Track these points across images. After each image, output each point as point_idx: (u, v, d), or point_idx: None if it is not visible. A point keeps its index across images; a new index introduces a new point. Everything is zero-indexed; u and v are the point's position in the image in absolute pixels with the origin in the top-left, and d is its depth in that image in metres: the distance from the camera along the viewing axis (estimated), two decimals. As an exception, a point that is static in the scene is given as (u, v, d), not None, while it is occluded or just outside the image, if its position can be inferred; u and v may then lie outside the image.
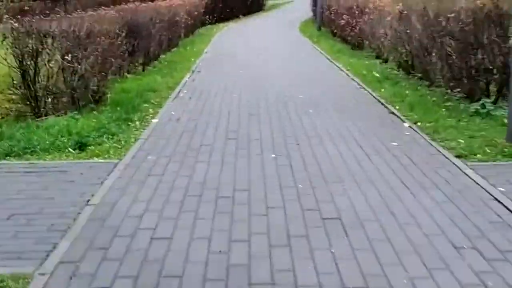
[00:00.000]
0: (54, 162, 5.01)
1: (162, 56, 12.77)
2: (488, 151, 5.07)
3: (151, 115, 6.93)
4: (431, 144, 5.42)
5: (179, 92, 8.52)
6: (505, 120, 5.57)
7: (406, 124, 6.23)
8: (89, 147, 5.41)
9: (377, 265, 3.02)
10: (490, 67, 6.80)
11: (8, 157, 5.14)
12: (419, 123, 6.23)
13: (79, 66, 6.94)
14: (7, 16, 7.23)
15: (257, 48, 14.96)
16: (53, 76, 6.79)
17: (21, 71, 6.65)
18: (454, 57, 7.25)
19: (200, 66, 11.49)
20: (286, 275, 2.91)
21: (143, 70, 10.72)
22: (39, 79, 6.71)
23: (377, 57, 11.57)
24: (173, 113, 7.02)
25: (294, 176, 4.49)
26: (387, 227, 3.50)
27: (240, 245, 3.27)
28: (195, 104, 7.64)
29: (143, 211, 3.79)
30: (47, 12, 10.49)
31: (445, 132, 5.77)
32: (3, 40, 6.62)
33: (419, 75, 8.78)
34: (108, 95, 7.68)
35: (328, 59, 12.31)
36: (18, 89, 6.81)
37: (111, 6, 12.62)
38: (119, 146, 5.49)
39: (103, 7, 12.38)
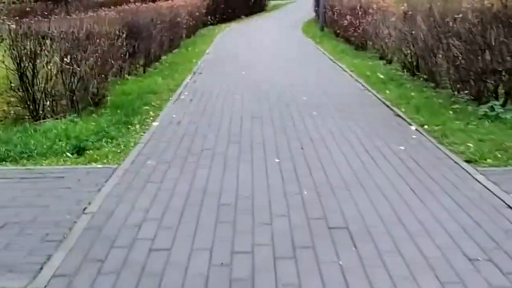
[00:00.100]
0: (51, 167, 4.86)
1: (163, 57, 12.63)
2: (499, 155, 4.90)
3: (151, 118, 6.78)
4: (439, 148, 5.26)
5: (180, 94, 8.37)
6: (516, 123, 5.42)
7: (413, 127, 6.06)
8: (88, 152, 5.27)
9: (388, 280, 2.86)
10: (499, 69, 6.63)
11: (4, 162, 5.00)
12: (426, 126, 6.06)
13: (78, 68, 6.80)
14: (4, 17, 7.08)
15: (259, 48, 14.81)
16: (52, 78, 6.66)
17: (19, 74, 6.52)
18: (461, 58, 7.09)
19: (201, 67, 11.34)
20: (291, 290, 2.76)
21: (144, 72, 10.59)
22: (38, 82, 6.59)
23: (381, 58, 11.42)
24: (174, 115, 6.86)
25: (299, 182, 4.33)
26: (397, 237, 3.34)
27: (243, 257, 3.11)
28: (197, 106, 7.49)
29: (141, 220, 3.64)
30: (48, 13, 10.39)
31: (453, 135, 5.60)
32: (1, 41, 6.49)
33: (424, 76, 8.62)
34: (108, 98, 7.54)
35: (331, 60, 12.16)
36: (16, 92, 6.68)
37: (111, 7, 12.49)
38: (118, 151, 5.34)
39: (104, 8, 12.29)
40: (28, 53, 6.44)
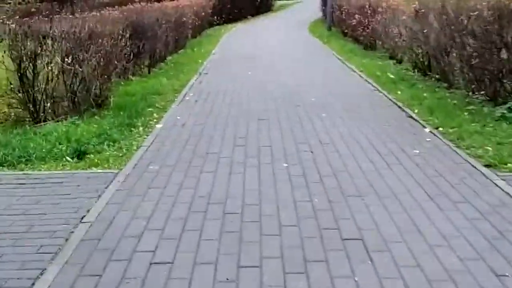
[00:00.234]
0: (49, 172, 4.66)
1: (169, 57, 12.44)
2: (520, 159, 4.65)
3: (155, 120, 6.57)
4: (456, 152, 5.01)
5: (185, 95, 8.16)
6: (536, 125, 5.16)
7: (427, 130, 5.81)
8: (88, 156, 5.07)
9: (409, 298, 2.63)
10: (516, 68, 6.37)
11: (1, 167, 4.80)
12: (440, 128, 5.81)
13: (80, 69, 6.60)
14: (4, 17, 6.91)
15: (265, 49, 14.57)
16: (53, 79, 6.48)
17: (19, 74, 6.33)
18: (475, 57, 6.83)
19: (207, 68, 11.13)
20: (303, 310, 2.54)
21: (149, 72, 10.39)
22: (38, 83, 6.40)
23: (391, 58, 11.16)
24: (179, 117, 6.65)
25: (308, 189, 4.10)
26: (416, 249, 3.10)
27: (250, 271, 2.88)
28: (202, 107, 7.27)
29: (142, 230, 3.42)
30: (50, 13, 10.22)
31: (470, 138, 5.35)
32: (0, 42, 6.32)
33: (437, 76, 8.36)
34: (111, 99, 7.34)
35: (340, 60, 11.91)
36: (16, 93, 6.49)
37: (117, 7, 12.31)
38: (120, 154, 5.14)
39: (109, 8, 12.11)
40: (28, 53, 6.26)
